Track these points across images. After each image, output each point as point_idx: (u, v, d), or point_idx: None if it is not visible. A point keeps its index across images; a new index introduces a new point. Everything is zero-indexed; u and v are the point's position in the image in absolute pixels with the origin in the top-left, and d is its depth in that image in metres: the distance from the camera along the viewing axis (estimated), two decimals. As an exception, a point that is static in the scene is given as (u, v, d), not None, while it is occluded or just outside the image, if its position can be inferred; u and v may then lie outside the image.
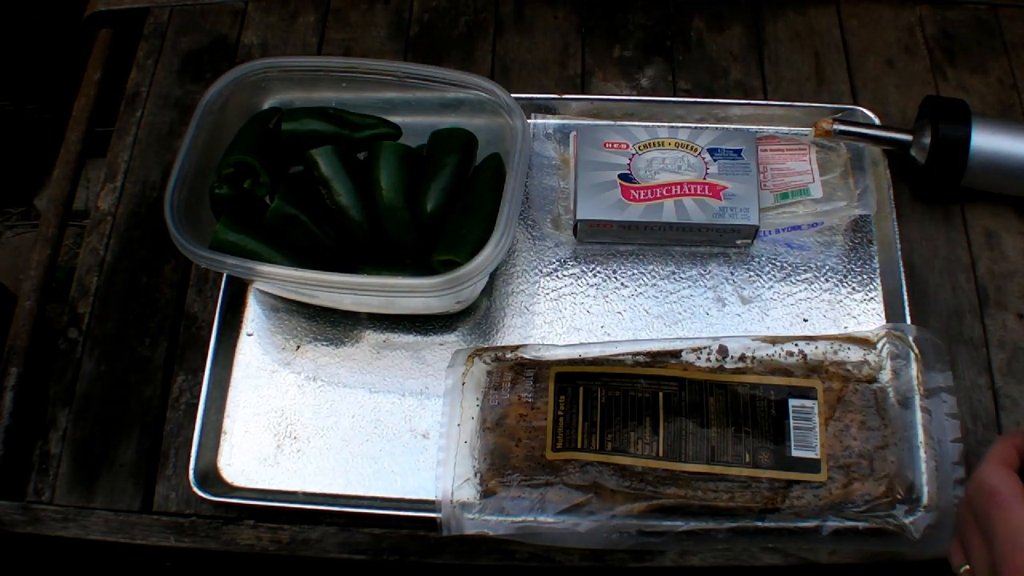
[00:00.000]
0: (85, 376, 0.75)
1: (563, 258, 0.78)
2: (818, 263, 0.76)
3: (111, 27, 0.92)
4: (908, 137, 0.76)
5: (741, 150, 0.75)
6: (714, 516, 0.65)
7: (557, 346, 0.71)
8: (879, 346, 0.69)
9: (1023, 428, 0.69)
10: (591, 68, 0.87)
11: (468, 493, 0.66)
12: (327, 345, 0.75)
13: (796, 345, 0.69)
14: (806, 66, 0.86)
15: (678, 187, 0.74)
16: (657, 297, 0.76)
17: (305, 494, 0.70)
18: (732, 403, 0.67)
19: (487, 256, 0.64)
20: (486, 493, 0.66)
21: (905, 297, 0.73)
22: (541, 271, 0.77)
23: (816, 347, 0.69)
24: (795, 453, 0.65)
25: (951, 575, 0.51)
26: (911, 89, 0.83)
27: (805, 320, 0.75)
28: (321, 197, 0.72)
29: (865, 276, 0.76)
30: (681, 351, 0.69)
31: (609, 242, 0.78)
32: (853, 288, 0.75)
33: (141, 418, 0.74)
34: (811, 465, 0.65)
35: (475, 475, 0.67)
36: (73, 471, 0.72)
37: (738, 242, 0.76)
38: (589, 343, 0.72)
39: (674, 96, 0.85)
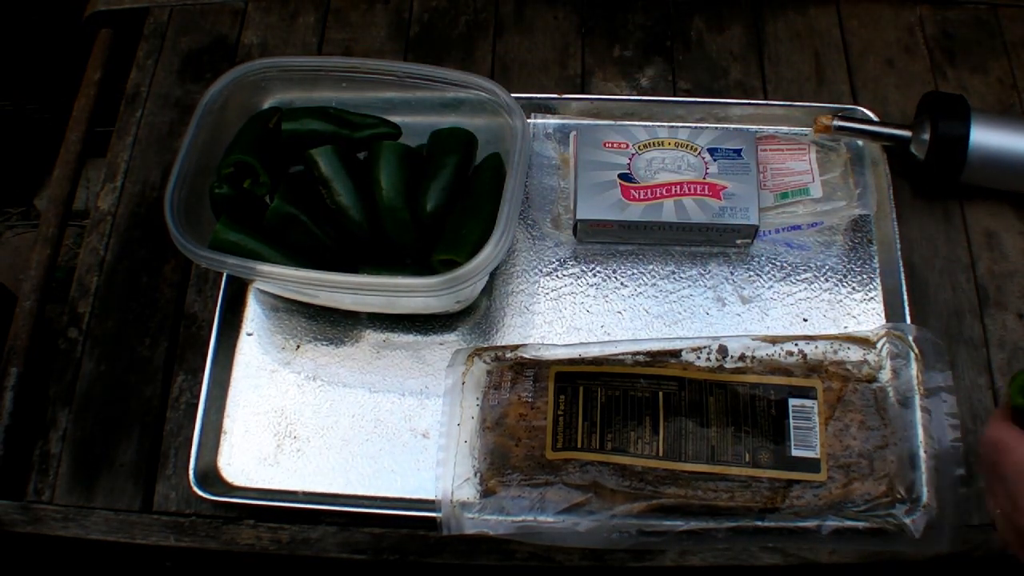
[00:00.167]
0: (85, 376, 0.75)
1: (563, 258, 0.78)
2: (818, 263, 0.76)
3: (111, 27, 0.92)
4: (907, 133, 0.76)
5: (741, 150, 0.75)
6: (714, 516, 0.65)
7: (557, 346, 0.71)
8: (879, 346, 0.69)
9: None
10: (591, 68, 0.87)
11: (468, 493, 0.66)
12: (327, 345, 0.75)
13: (796, 345, 0.69)
14: (806, 66, 0.86)
15: (678, 187, 0.74)
16: (657, 297, 0.76)
17: (305, 494, 0.70)
18: (732, 403, 0.67)
19: (487, 256, 0.64)
20: (486, 493, 0.66)
21: (905, 297, 0.73)
22: (541, 271, 0.77)
23: (816, 347, 0.69)
24: (795, 453, 0.65)
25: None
26: (911, 89, 0.83)
27: (805, 320, 0.75)
28: (321, 197, 0.72)
29: (865, 276, 0.76)
30: (681, 351, 0.69)
31: (609, 242, 0.78)
32: (853, 288, 0.75)
33: (141, 418, 0.74)
34: (811, 465, 0.65)
35: (475, 475, 0.67)
36: (73, 471, 0.72)
37: (738, 242, 0.76)
38: (589, 343, 0.72)
39: (674, 96, 0.85)
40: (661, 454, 0.65)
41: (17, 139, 1.45)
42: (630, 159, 0.75)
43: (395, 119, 0.76)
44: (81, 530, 0.70)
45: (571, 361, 0.69)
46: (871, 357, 0.69)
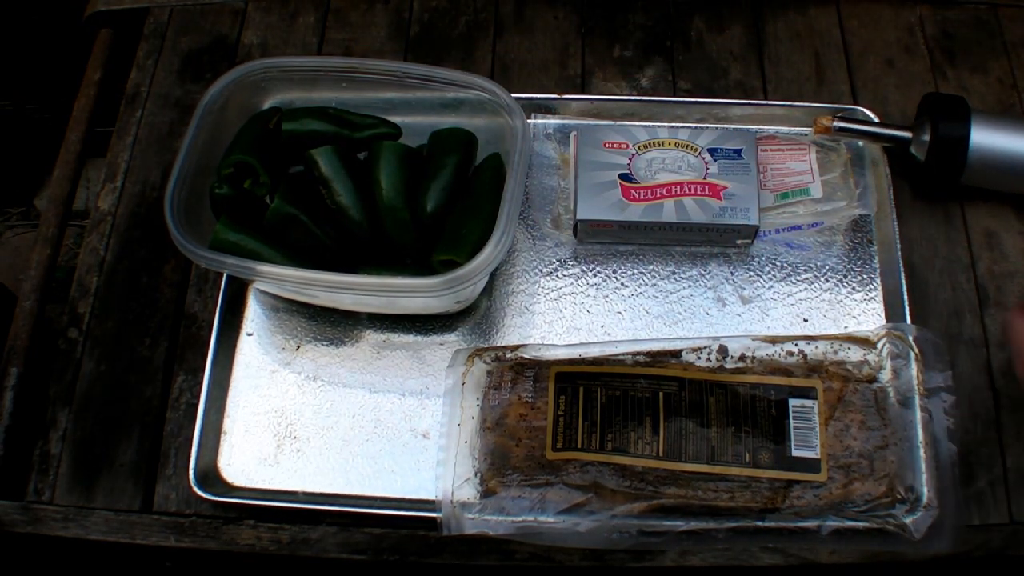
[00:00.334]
0: (85, 376, 0.75)
1: (563, 258, 0.78)
2: (818, 263, 0.76)
3: (111, 27, 0.92)
4: (907, 134, 0.76)
5: (741, 150, 0.75)
6: (714, 516, 0.65)
7: (557, 346, 0.71)
8: (879, 346, 0.69)
9: None
10: (591, 68, 0.87)
11: (468, 493, 0.66)
12: (327, 345, 0.75)
13: (796, 345, 0.69)
14: (806, 66, 0.86)
15: (678, 187, 0.74)
16: (657, 297, 0.76)
17: (305, 494, 0.70)
18: (732, 403, 0.67)
19: (487, 256, 0.64)
20: (486, 493, 0.66)
21: (905, 297, 0.73)
22: (541, 271, 0.77)
23: (816, 347, 0.69)
24: (795, 453, 0.65)
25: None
26: (911, 89, 0.83)
27: (805, 320, 0.75)
28: (321, 197, 0.72)
29: (865, 276, 0.76)
30: (681, 351, 0.69)
31: (609, 242, 0.78)
32: (853, 288, 0.75)
33: (141, 418, 0.74)
34: (811, 465, 0.65)
35: (475, 475, 0.67)
36: (73, 471, 0.72)
37: (738, 242, 0.76)
38: (589, 343, 0.72)
39: (674, 96, 0.85)
40: (661, 454, 0.65)
41: (17, 139, 1.45)
42: (630, 159, 0.75)
43: (395, 119, 0.76)
44: (81, 530, 0.70)
45: (571, 361, 0.69)
46: (871, 357, 0.69)
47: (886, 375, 0.68)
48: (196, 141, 0.71)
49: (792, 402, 0.66)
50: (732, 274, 0.76)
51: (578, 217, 0.74)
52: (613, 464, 0.65)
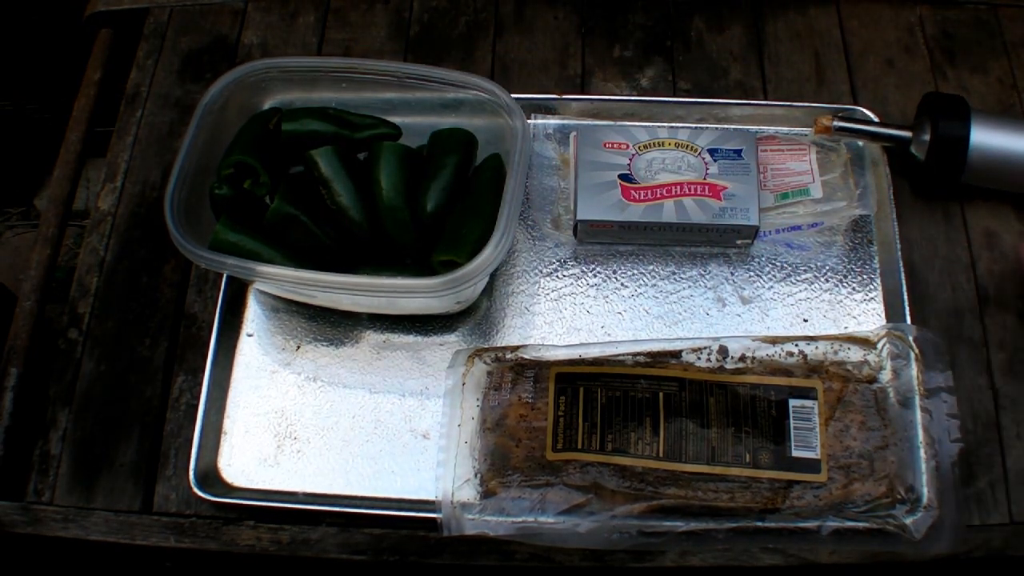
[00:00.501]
0: (85, 376, 0.75)
1: (563, 258, 0.78)
2: (818, 263, 0.76)
3: (111, 27, 0.92)
4: (908, 134, 0.76)
5: (741, 150, 0.75)
6: (714, 516, 0.65)
7: (557, 346, 0.71)
8: (879, 346, 0.69)
9: None
10: (591, 68, 0.87)
11: (468, 493, 0.66)
12: (327, 345, 0.75)
13: (796, 345, 0.69)
14: (806, 66, 0.86)
15: (678, 187, 0.74)
16: (657, 297, 0.76)
17: (305, 494, 0.70)
18: (732, 403, 0.67)
19: (487, 256, 0.64)
20: (486, 493, 0.66)
21: (905, 297, 0.73)
22: (541, 271, 0.77)
23: (816, 347, 0.69)
24: (795, 453, 0.65)
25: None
26: (911, 89, 0.83)
27: (805, 320, 0.75)
28: (321, 197, 0.72)
29: (865, 276, 0.76)
30: (681, 351, 0.69)
31: (609, 242, 0.78)
32: (853, 288, 0.75)
33: (141, 418, 0.74)
34: (811, 465, 0.65)
35: (475, 475, 0.67)
36: (73, 471, 0.72)
37: (738, 242, 0.76)
38: (589, 343, 0.72)
39: (674, 96, 0.85)
40: (661, 455, 0.65)
41: (17, 139, 1.45)
42: (630, 159, 0.75)
43: (395, 119, 0.76)
44: (81, 531, 0.70)
45: (571, 362, 0.69)
46: (871, 357, 0.69)
47: (886, 375, 0.68)
48: (196, 141, 0.71)
49: (792, 402, 0.66)
50: (732, 274, 0.76)
51: (578, 217, 0.74)
52: (613, 465, 0.65)
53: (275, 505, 0.70)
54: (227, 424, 0.73)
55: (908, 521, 0.64)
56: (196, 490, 0.68)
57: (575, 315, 0.75)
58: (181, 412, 0.74)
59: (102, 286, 0.79)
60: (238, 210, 0.72)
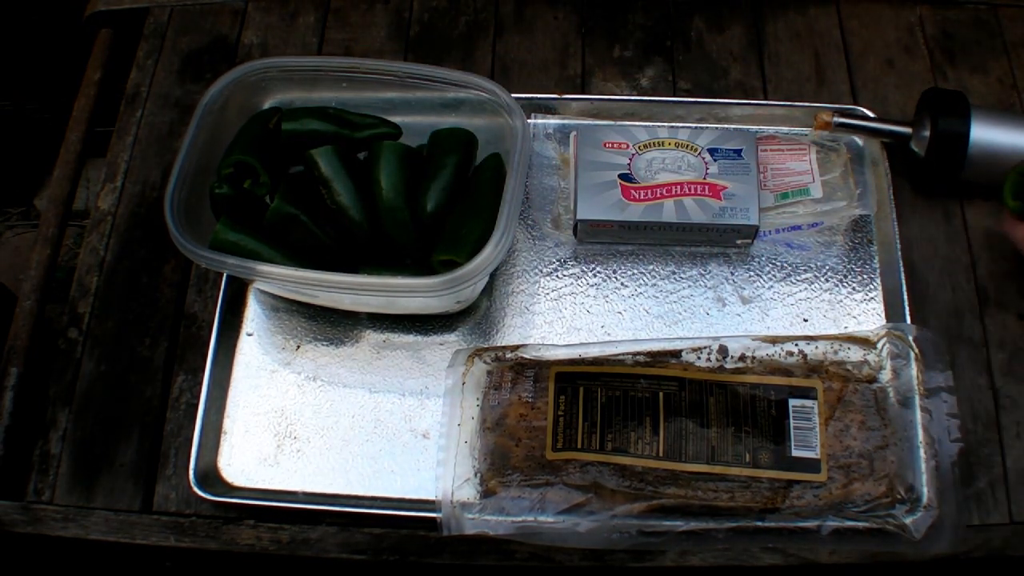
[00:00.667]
0: (85, 376, 0.75)
1: (563, 258, 0.78)
2: (818, 263, 0.76)
3: (111, 27, 0.92)
4: (907, 130, 0.77)
5: (741, 150, 0.75)
6: (714, 516, 0.65)
7: (557, 346, 0.71)
8: (879, 346, 0.69)
9: None
10: (591, 68, 0.87)
11: (468, 493, 0.66)
12: (327, 345, 0.75)
13: (796, 345, 0.69)
14: (806, 66, 0.86)
15: (678, 187, 0.74)
16: (657, 297, 0.76)
17: (305, 494, 0.70)
18: (732, 403, 0.67)
19: (487, 256, 0.64)
20: (486, 493, 0.66)
21: (905, 297, 0.73)
22: (541, 271, 0.77)
23: (816, 347, 0.69)
24: (795, 453, 0.65)
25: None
26: (911, 89, 0.83)
27: (805, 320, 0.75)
28: (321, 197, 0.72)
29: (865, 276, 0.76)
30: (681, 351, 0.69)
31: (609, 242, 0.78)
32: (853, 288, 0.75)
33: (141, 418, 0.74)
34: (811, 465, 0.65)
35: (475, 475, 0.67)
36: (73, 471, 0.72)
37: (738, 242, 0.76)
38: (589, 343, 0.72)
39: (674, 96, 0.85)
40: (661, 454, 0.65)
41: (17, 139, 1.45)
42: (630, 159, 0.75)
43: (395, 119, 0.76)
44: (81, 530, 0.70)
45: (571, 361, 0.69)
46: (871, 357, 0.69)
47: (886, 375, 0.68)
48: (196, 141, 0.71)
49: (792, 402, 0.66)
50: (732, 274, 0.76)
51: (578, 217, 0.74)
52: (613, 464, 0.65)
53: (275, 505, 0.70)
54: (227, 424, 0.73)
55: (908, 521, 0.64)
56: (196, 490, 0.68)
57: (575, 315, 0.75)
58: (181, 412, 0.74)
59: (102, 286, 0.79)
60: (238, 210, 0.72)
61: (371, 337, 0.75)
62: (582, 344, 0.71)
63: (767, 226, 0.77)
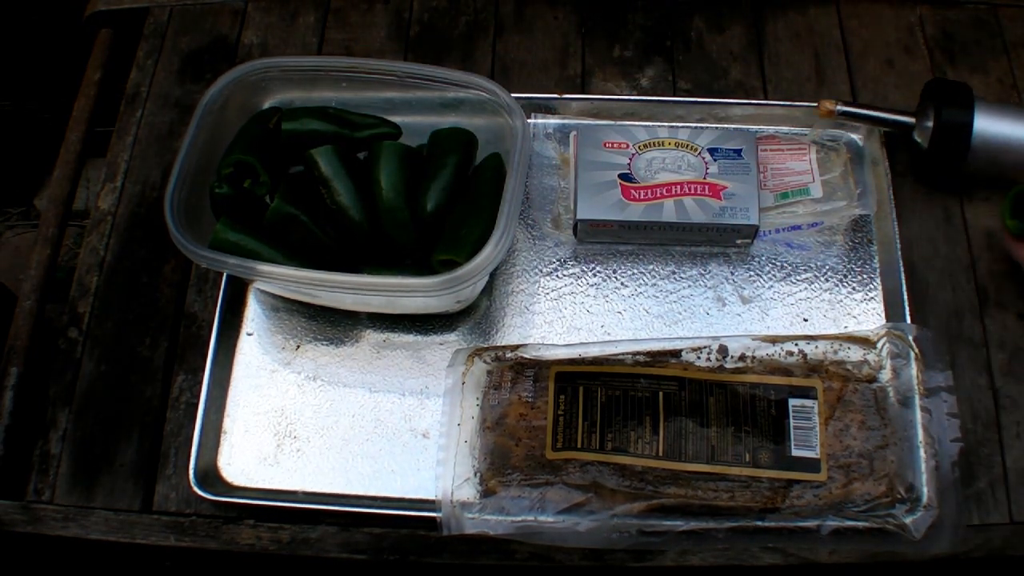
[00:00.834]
0: (85, 376, 0.75)
1: (563, 258, 0.78)
2: (818, 263, 0.76)
3: (111, 27, 0.92)
4: (911, 120, 0.76)
5: (741, 150, 0.75)
6: (714, 516, 0.65)
7: (557, 346, 0.71)
8: (879, 346, 0.69)
9: None
10: (591, 68, 0.87)
11: (468, 493, 0.66)
12: (327, 345, 0.75)
13: (796, 345, 0.69)
14: (806, 66, 0.86)
15: (678, 187, 0.74)
16: (657, 297, 0.76)
17: (305, 494, 0.70)
18: (732, 403, 0.67)
19: (487, 256, 0.64)
20: (486, 493, 0.66)
21: (905, 297, 0.73)
22: (541, 271, 0.77)
23: (816, 347, 0.69)
24: (795, 453, 0.65)
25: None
26: (911, 89, 0.83)
27: (805, 320, 0.75)
28: (321, 197, 0.72)
29: (865, 276, 0.76)
30: (681, 351, 0.69)
31: (609, 242, 0.78)
32: (853, 288, 0.75)
33: (141, 418, 0.74)
34: (811, 465, 0.65)
35: (475, 475, 0.67)
36: (73, 471, 0.72)
37: (738, 242, 0.76)
38: (589, 343, 0.72)
39: (674, 96, 0.85)
40: (661, 454, 0.65)
41: (17, 139, 1.45)
42: (630, 159, 0.75)
43: (395, 119, 0.76)
44: (81, 530, 0.70)
45: (571, 361, 0.69)
46: (871, 357, 0.69)
47: (886, 375, 0.68)
48: (196, 141, 0.71)
49: (792, 402, 0.66)
50: (732, 274, 0.76)
51: (578, 217, 0.74)
52: (613, 464, 0.65)
53: (275, 504, 0.70)
54: (227, 423, 0.73)
55: (908, 521, 0.64)
56: (196, 489, 0.68)
57: (575, 314, 0.75)
58: (181, 411, 0.74)
59: (102, 286, 0.79)
60: (238, 210, 0.72)
61: (371, 337, 0.75)
62: (582, 344, 0.71)
63: (767, 226, 0.77)
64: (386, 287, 0.67)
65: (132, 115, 0.86)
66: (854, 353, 0.69)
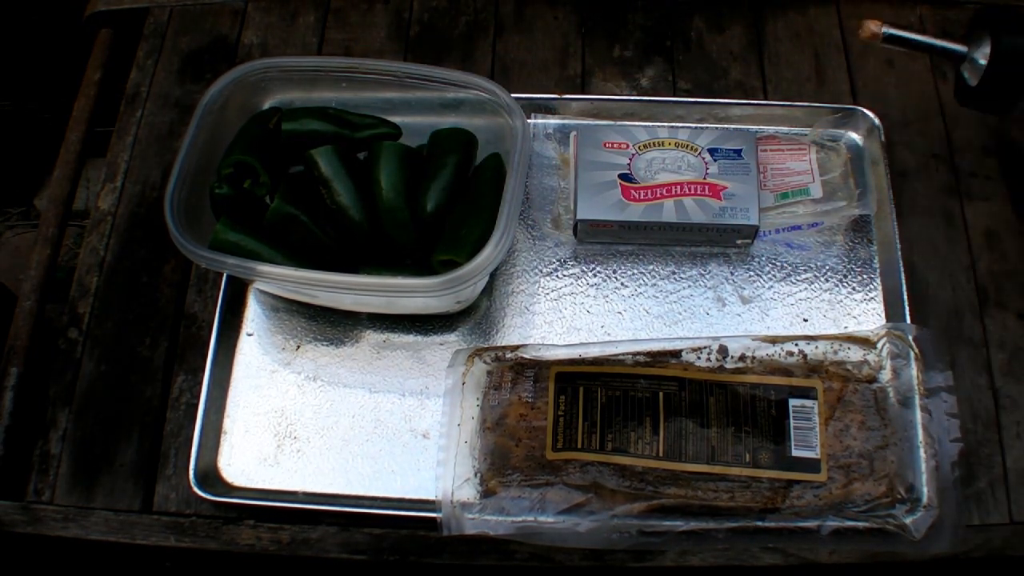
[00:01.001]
0: (85, 376, 0.75)
1: (563, 258, 0.78)
2: (818, 263, 0.76)
3: (111, 27, 0.92)
4: (963, 48, 0.69)
5: (741, 150, 0.75)
6: (714, 516, 0.65)
7: (557, 346, 0.71)
8: (879, 346, 0.69)
9: None
10: (591, 68, 0.87)
11: (468, 493, 0.66)
12: (327, 345, 0.75)
13: (796, 345, 0.69)
14: (806, 66, 0.86)
15: (678, 187, 0.74)
16: (657, 297, 0.76)
17: (305, 494, 0.70)
18: (732, 403, 0.67)
19: (487, 256, 0.64)
20: (486, 493, 0.66)
21: (905, 297, 0.73)
22: (541, 271, 0.77)
23: (816, 347, 0.69)
24: (795, 453, 0.65)
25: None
26: (911, 89, 0.83)
27: (805, 320, 0.75)
28: (321, 197, 0.72)
29: (865, 276, 0.76)
30: (681, 351, 0.69)
31: (609, 242, 0.78)
32: (853, 288, 0.75)
33: (141, 418, 0.74)
34: (811, 465, 0.65)
35: (475, 475, 0.67)
36: (73, 471, 0.72)
37: (738, 242, 0.76)
38: (589, 343, 0.72)
39: (674, 96, 0.85)
40: (661, 454, 0.65)
41: (17, 139, 1.45)
42: (630, 159, 0.75)
43: (395, 119, 0.76)
44: (81, 530, 0.70)
45: (571, 361, 0.69)
46: (871, 357, 0.69)
47: (886, 375, 0.68)
48: (196, 141, 0.71)
49: (792, 402, 0.66)
50: (732, 274, 0.76)
51: (578, 217, 0.74)
52: (613, 464, 0.65)
53: (275, 505, 0.70)
54: (227, 424, 0.73)
55: (908, 521, 0.64)
56: (196, 490, 0.68)
57: (575, 315, 0.75)
58: (181, 412, 0.74)
59: (102, 286, 0.79)
60: (238, 210, 0.72)
61: (371, 337, 0.75)
62: (582, 344, 0.71)
63: (767, 226, 0.77)
64: (386, 287, 0.67)
65: (132, 115, 0.86)
66: (854, 353, 0.69)
